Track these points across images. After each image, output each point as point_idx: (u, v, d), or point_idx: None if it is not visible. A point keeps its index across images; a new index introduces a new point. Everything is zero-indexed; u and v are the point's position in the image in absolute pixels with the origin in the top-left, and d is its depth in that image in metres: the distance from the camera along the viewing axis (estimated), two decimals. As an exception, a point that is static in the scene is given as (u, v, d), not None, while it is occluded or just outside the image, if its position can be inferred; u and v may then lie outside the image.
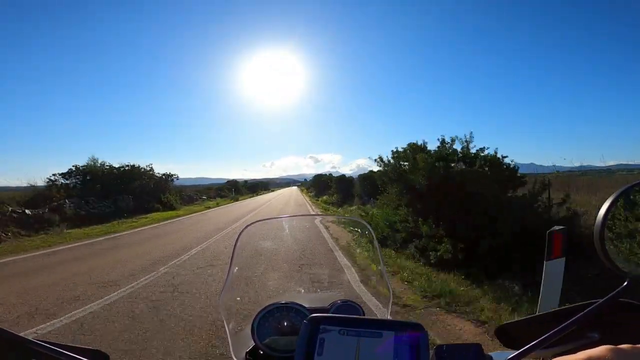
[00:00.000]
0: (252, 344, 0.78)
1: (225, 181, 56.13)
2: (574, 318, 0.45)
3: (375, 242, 0.96)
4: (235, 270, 0.88)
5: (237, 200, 35.57)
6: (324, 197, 30.22)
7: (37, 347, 0.48)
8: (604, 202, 0.46)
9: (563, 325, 0.44)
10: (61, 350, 0.48)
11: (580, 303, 0.53)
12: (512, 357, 0.44)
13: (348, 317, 0.54)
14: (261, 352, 0.76)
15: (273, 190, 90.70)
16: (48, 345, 0.49)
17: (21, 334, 0.48)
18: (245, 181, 76.88)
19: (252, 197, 47.53)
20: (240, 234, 0.90)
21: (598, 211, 0.46)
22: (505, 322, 0.62)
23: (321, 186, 38.00)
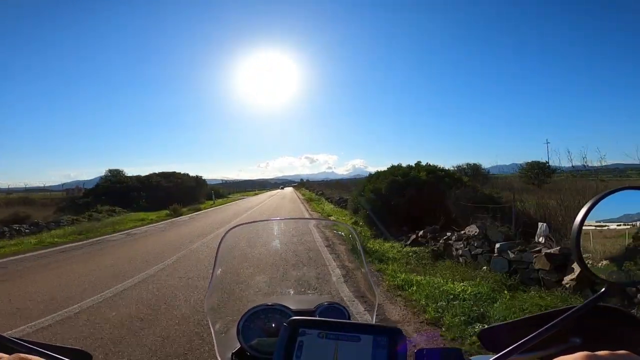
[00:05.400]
0: (238, 345, 0.77)
1: (221, 182, 55.27)
2: (551, 323, 0.44)
3: (359, 246, 0.96)
4: (218, 272, 0.87)
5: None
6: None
7: (17, 345, 0.46)
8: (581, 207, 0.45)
9: (541, 330, 0.44)
10: (42, 350, 0.47)
11: (561, 308, 0.52)
12: None
13: (327, 320, 0.54)
14: (248, 354, 0.75)
15: (227, 197, 40.91)
16: (28, 345, 0.47)
17: (4, 334, 0.46)
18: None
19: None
20: (223, 237, 0.89)
21: (575, 217, 0.45)
22: (488, 326, 0.61)
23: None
